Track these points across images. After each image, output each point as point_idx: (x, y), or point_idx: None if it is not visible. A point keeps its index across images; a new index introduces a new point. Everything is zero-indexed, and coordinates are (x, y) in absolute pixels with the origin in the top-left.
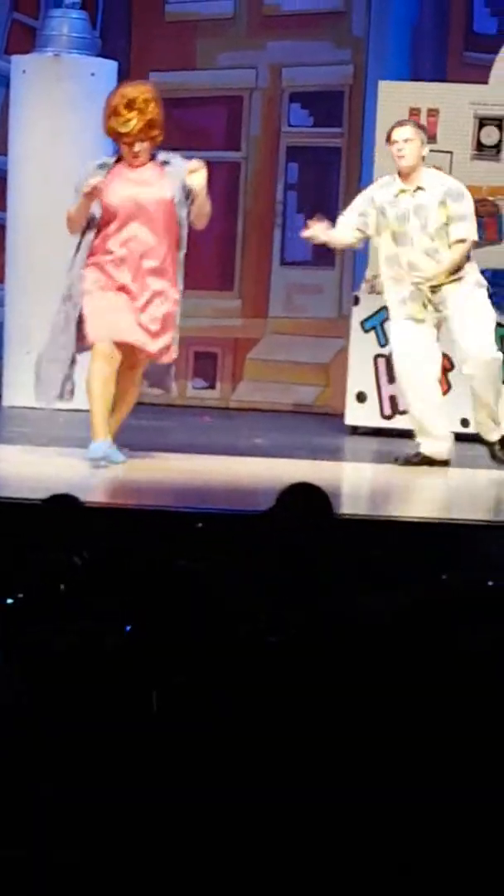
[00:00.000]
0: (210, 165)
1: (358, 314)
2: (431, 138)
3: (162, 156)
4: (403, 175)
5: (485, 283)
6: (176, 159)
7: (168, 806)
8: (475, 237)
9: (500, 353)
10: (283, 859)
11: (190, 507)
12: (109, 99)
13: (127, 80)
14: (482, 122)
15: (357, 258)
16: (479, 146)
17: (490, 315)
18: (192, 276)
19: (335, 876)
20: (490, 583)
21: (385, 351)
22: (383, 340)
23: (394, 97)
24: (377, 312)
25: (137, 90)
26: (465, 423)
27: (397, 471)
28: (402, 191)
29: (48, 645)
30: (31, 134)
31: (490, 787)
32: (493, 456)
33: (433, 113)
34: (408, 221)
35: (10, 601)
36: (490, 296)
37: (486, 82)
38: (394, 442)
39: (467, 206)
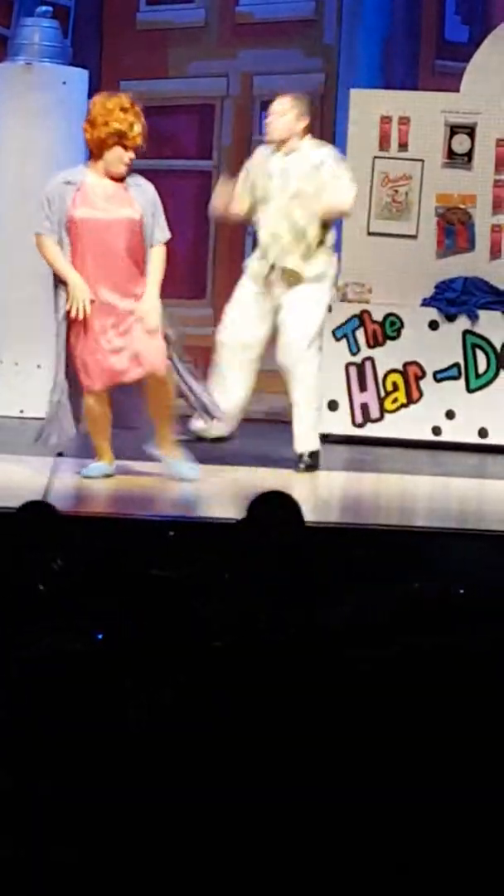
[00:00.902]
0: (182, 174)
1: (329, 322)
2: (402, 146)
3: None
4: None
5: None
6: (142, 181)
7: (166, 806)
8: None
9: (314, 354)
10: (282, 859)
11: (162, 515)
12: (100, 103)
13: (99, 90)
14: (453, 130)
15: None
16: (451, 154)
17: (318, 311)
18: (163, 284)
19: (334, 875)
20: (461, 591)
21: (356, 359)
22: (354, 348)
23: (365, 105)
24: (348, 321)
25: (129, 98)
26: (436, 431)
27: (368, 479)
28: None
29: (21, 652)
30: (2, 143)
31: (489, 788)
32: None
33: (404, 121)
34: (271, 180)
35: None
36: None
37: (457, 90)
38: (365, 450)
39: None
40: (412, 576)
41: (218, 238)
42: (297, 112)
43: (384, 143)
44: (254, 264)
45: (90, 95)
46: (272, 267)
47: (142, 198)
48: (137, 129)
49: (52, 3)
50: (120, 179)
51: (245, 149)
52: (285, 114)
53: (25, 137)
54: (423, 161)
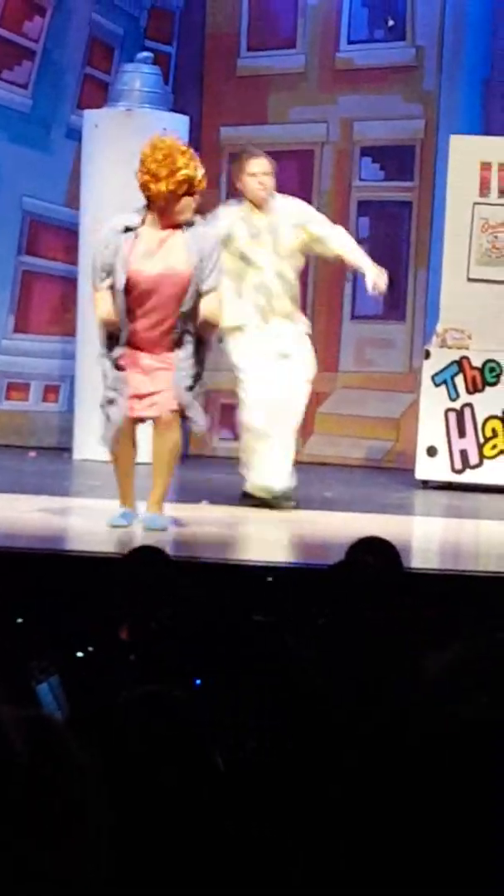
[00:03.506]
0: None
1: (429, 368)
2: (503, 192)
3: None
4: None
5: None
6: (200, 228)
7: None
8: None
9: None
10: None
11: (259, 561)
12: (154, 154)
13: (200, 136)
14: None
15: (428, 312)
16: None
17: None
18: None
19: None
20: None
21: (456, 405)
22: (454, 394)
23: (465, 151)
24: (448, 367)
25: (174, 139)
26: None
27: (467, 525)
28: (255, 210)
29: (116, 699)
30: (102, 188)
31: None
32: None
33: None
34: (257, 239)
35: (80, 654)
36: None
37: None
38: (465, 496)
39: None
40: None
41: (317, 283)
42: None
43: (484, 189)
44: (246, 322)
45: (190, 141)
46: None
47: (196, 246)
48: (202, 171)
49: (153, 50)
50: (179, 225)
51: (345, 193)
52: (272, 173)
53: (125, 183)
54: None
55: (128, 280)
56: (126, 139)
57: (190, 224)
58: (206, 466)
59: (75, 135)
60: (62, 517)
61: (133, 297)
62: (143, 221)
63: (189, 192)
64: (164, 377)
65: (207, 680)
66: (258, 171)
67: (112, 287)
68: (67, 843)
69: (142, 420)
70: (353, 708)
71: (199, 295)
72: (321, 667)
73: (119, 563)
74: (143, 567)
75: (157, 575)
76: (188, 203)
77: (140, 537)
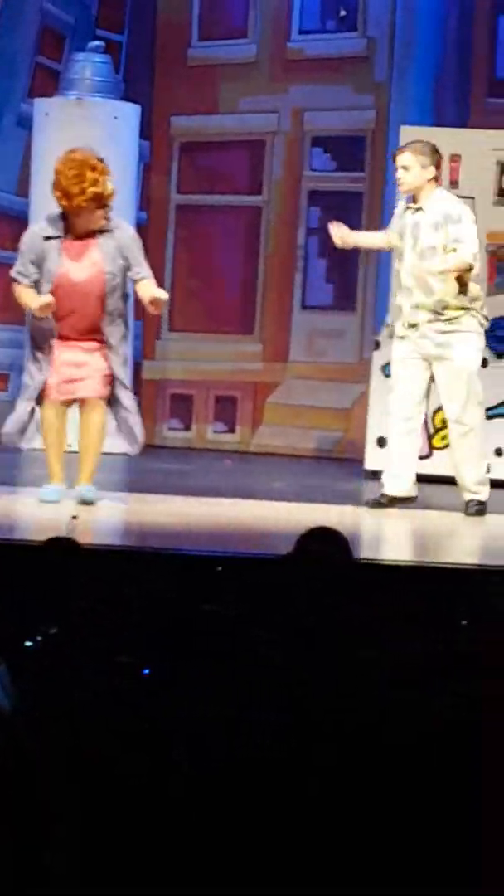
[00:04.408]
0: (231, 209)
1: (378, 359)
2: (453, 184)
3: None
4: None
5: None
6: (115, 227)
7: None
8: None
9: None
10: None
11: (209, 550)
12: (66, 170)
13: (150, 125)
14: None
15: (378, 302)
16: (502, 192)
17: (474, 383)
18: (212, 319)
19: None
20: None
21: None
22: None
23: None
24: None
25: (85, 152)
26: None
27: (417, 516)
28: (408, 207)
29: (68, 690)
30: (52, 177)
31: None
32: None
33: (455, 158)
34: (403, 238)
35: (28, 644)
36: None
37: None
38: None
39: (468, 229)
40: (459, 614)
41: (267, 273)
42: (420, 164)
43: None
44: (396, 326)
45: (142, 130)
46: (413, 325)
47: (115, 246)
48: (111, 186)
49: (105, 38)
50: (94, 233)
51: (296, 184)
52: (409, 167)
53: None
54: (473, 199)
55: (55, 285)
56: (77, 128)
57: (105, 230)
58: (155, 456)
59: (26, 123)
60: (10, 506)
61: (58, 300)
62: (61, 230)
63: (100, 206)
64: (92, 362)
65: (156, 670)
66: (398, 165)
67: (36, 288)
68: (35, 838)
69: (68, 403)
70: (317, 703)
71: (123, 292)
72: (285, 659)
73: (33, 555)
74: (54, 558)
75: (69, 567)
76: (101, 214)
77: (92, 530)
